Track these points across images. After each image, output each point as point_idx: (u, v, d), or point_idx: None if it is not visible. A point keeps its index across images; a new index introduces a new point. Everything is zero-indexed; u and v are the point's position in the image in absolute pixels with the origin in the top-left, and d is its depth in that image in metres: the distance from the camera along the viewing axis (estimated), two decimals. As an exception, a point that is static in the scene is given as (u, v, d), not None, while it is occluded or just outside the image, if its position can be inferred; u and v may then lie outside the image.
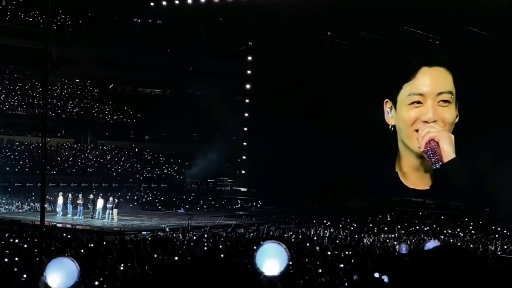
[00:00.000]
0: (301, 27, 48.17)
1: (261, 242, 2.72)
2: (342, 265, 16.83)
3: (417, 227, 32.78)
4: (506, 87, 41.19)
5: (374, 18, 44.30)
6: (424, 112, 44.20)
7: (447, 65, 44.20)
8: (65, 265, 2.94)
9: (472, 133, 41.05)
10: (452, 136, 43.53)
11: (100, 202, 35.57)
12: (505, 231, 31.27)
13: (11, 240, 21.79)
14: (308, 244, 24.22)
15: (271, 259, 2.63)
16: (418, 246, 24.53)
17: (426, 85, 44.67)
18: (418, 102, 44.51)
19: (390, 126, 45.92)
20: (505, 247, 27.20)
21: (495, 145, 40.27)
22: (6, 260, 16.11)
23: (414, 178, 45.23)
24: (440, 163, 43.17)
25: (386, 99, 46.03)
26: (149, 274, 14.20)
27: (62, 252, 18.68)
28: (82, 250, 19.67)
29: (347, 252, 21.43)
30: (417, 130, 44.22)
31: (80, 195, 36.78)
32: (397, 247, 21.32)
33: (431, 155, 43.30)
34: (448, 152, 43.12)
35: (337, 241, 26.51)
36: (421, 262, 1.37)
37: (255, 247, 2.66)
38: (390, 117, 46.15)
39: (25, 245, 19.95)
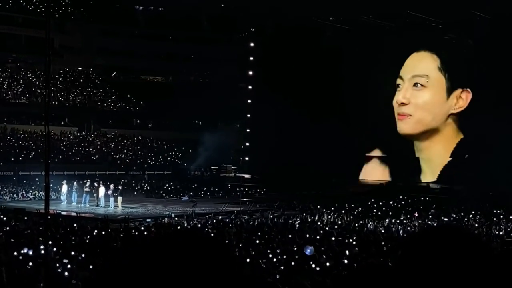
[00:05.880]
0: (303, 13, 48.00)
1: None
2: (347, 251, 16.84)
3: (422, 212, 32.75)
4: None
5: (377, 2, 44.18)
6: (398, 95, 45.09)
7: (436, 50, 44.30)
8: None
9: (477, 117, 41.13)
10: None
11: (101, 190, 35.62)
12: (510, 217, 31.20)
13: (16, 228, 21.87)
14: (311, 230, 24.23)
15: None
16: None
17: (405, 68, 45.53)
18: (399, 86, 45.36)
19: None
20: (509, 229, 27.20)
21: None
22: (11, 248, 16.16)
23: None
24: None
25: None
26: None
27: (67, 240, 18.76)
28: (87, 237, 19.74)
29: (351, 240, 21.42)
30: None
31: (88, 183, 36.79)
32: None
33: None
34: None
35: (341, 227, 26.52)
36: (419, 242, 1.37)
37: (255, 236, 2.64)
38: None
39: (30, 233, 20.01)
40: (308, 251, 15.15)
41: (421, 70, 44.80)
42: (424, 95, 44.61)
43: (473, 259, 1.29)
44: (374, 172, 47.16)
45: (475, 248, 1.31)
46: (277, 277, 12.46)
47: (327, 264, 14.73)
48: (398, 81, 45.68)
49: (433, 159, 44.84)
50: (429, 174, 45.06)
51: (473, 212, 32.57)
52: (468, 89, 43.32)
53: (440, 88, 44.02)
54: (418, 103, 44.57)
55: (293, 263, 14.97)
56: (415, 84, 44.75)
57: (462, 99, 43.59)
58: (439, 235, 1.36)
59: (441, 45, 44.43)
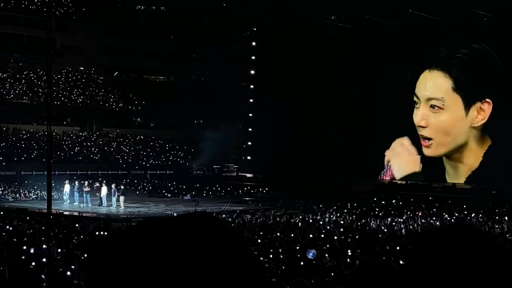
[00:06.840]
0: (304, 11, 48.00)
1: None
2: (349, 251, 16.81)
3: (424, 211, 32.74)
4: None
5: (377, 1, 44.16)
6: (416, 114, 44.97)
7: (448, 70, 44.03)
8: None
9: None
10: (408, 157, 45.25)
11: (104, 190, 35.65)
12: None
13: (19, 228, 21.87)
14: (314, 229, 24.22)
15: None
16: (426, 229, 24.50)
17: (419, 88, 45.31)
18: (416, 103, 45.24)
19: None
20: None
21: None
22: (14, 248, 16.16)
23: None
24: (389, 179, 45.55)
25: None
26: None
27: (69, 239, 18.77)
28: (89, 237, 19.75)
29: (350, 240, 21.38)
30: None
31: (86, 183, 36.85)
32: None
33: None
34: (397, 171, 45.74)
35: (344, 226, 26.51)
36: (428, 241, 1.36)
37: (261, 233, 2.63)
38: None
39: (33, 233, 20.01)
40: (311, 254, 14.99)
41: (436, 93, 44.30)
42: (442, 117, 44.13)
43: (486, 259, 1.28)
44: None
45: (488, 247, 1.30)
46: (280, 276, 12.44)
47: (329, 263, 14.72)
48: (415, 98, 45.45)
49: (461, 168, 44.59)
50: (454, 176, 44.76)
51: (475, 210, 32.57)
52: (488, 99, 42.84)
53: (457, 107, 43.59)
54: (437, 126, 44.20)
55: (295, 263, 14.95)
56: (432, 106, 44.41)
57: (483, 111, 43.02)
58: (450, 233, 1.35)
59: (450, 60, 44.00)
